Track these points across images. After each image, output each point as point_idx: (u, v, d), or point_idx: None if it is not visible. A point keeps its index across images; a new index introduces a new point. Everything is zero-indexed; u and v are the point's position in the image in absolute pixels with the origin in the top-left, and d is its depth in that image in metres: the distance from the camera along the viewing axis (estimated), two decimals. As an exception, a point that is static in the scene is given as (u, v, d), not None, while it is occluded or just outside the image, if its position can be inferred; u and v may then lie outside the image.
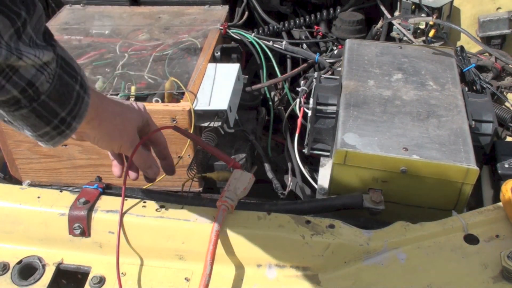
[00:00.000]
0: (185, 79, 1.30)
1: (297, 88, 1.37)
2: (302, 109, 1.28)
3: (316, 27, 1.70)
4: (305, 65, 1.57)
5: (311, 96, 1.21)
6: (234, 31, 1.56)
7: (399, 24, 1.59)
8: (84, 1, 1.71)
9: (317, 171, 1.28)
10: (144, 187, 1.11)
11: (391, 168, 1.02)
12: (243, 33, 1.56)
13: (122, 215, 0.98)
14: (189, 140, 1.21)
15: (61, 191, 1.04)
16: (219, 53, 1.43)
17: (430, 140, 1.04)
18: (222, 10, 1.64)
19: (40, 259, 0.99)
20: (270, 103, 1.52)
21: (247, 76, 1.45)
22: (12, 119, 0.69)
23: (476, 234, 0.93)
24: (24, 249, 1.00)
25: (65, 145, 1.29)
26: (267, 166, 1.31)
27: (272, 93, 1.55)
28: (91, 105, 0.77)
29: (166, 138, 1.22)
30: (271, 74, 1.57)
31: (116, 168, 0.99)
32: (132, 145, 0.91)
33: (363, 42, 1.38)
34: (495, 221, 0.95)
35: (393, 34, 1.63)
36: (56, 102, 0.70)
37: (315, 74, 1.30)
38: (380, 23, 1.64)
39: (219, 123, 1.21)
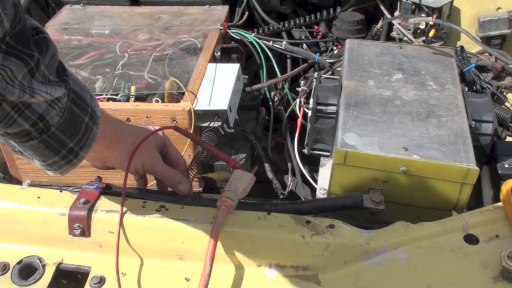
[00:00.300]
0: (185, 79, 1.30)
1: (297, 88, 1.37)
2: (302, 109, 1.28)
3: (316, 27, 1.70)
4: (305, 65, 1.57)
5: (311, 96, 1.21)
6: (234, 31, 1.56)
7: (399, 24, 1.59)
8: (84, 1, 1.71)
9: (317, 171, 1.28)
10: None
11: (391, 168, 1.02)
12: (243, 33, 1.56)
13: (122, 215, 0.98)
14: (189, 140, 1.21)
15: (61, 191, 1.04)
16: (219, 53, 1.43)
17: (430, 140, 1.04)
18: (222, 10, 1.64)
19: (40, 259, 0.99)
20: (270, 103, 1.52)
21: (247, 76, 1.45)
22: (22, 150, 0.73)
23: (476, 234, 0.93)
24: (24, 249, 1.00)
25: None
26: (267, 166, 1.31)
27: (272, 93, 1.55)
28: (107, 131, 0.82)
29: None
30: (271, 74, 1.57)
31: (137, 182, 1.05)
32: (155, 161, 0.95)
33: (363, 42, 1.38)
34: (495, 221, 0.95)
35: (393, 34, 1.63)
36: (65, 133, 0.73)
37: (315, 74, 1.30)
38: (380, 23, 1.64)
39: (219, 123, 1.21)
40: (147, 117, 1.22)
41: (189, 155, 1.24)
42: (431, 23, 1.50)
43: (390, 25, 1.63)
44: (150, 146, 0.96)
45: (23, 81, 0.65)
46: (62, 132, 0.73)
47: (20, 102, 0.66)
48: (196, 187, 1.30)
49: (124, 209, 0.98)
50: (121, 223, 0.97)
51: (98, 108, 0.80)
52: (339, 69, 1.42)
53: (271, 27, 1.65)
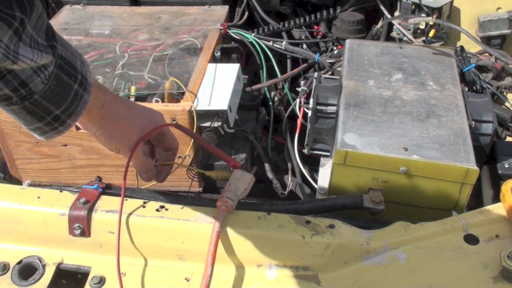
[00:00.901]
0: (185, 79, 1.30)
1: (297, 88, 1.37)
2: (302, 109, 1.28)
3: (316, 27, 1.70)
4: (305, 65, 1.57)
5: (311, 96, 1.21)
6: (234, 31, 1.56)
7: (399, 24, 1.59)
8: (84, 1, 1.71)
9: (317, 171, 1.28)
10: (144, 187, 1.11)
11: (391, 168, 1.02)
12: (243, 33, 1.56)
13: (121, 215, 0.98)
14: (192, 141, 1.21)
15: (61, 191, 1.04)
16: (219, 53, 1.43)
17: (430, 140, 1.04)
18: (222, 10, 1.64)
19: (40, 259, 0.99)
20: (270, 103, 1.52)
21: (247, 76, 1.45)
22: (5, 111, 0.70)
23: (476, 234, 0.93)
24: (24, 249, 1.00)
25: (65, 145, 1.29)
26: (267, 166, 1.31)
27: (272, 93, 1.55)
28: (95, 103, 0.77)
29: (166, 138, 1.22)
30: (271, 74, 1.57)
31: None
32: (129, 150, 0.91)
33: (363, 42, 1.38)
34: (495, 221, 0.95)
35: (393, 34, 1.63)
36: (50, 101, 0.69)
37: (315, 74, 1.30)
38: (380, 23, 1.64)
39: (219, 123, 1.21)
40: (147, 117, 1.21)
41: (189, 155, 1.24)
42: (431, 23, 1.50)
43: (390, 25, 1.63)
44: (133, 135, 0.91)
45: (9, 44, 0.61)
46: (47, 100, 0.69)
47: (1, 67, 0.62)
48: (196, 187, 1.30)
49: (124, 209, 0.98)
50: (121, 223, 0.97)
51: (90, 74, 0.76)
52: (339, 69, 1.42)
53: (271, 27, 1.65)
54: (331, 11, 1.69)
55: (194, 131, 1.19)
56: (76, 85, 0.72)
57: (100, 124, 0.85)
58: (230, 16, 1.68)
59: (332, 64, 1.52)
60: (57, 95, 0.70)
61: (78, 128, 1.25)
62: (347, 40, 1.38)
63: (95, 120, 0.83)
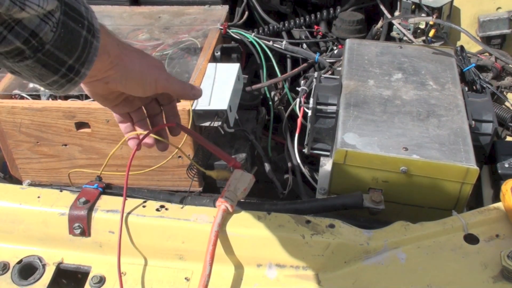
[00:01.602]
0: (185, 78, 1.30)
1: (297, 88, 1.37)
2: (302, 109, 1.28)
3: (316, 27, 1.70)
4: (305, 65, 1.57)
5: (311, 96, 1.21)
6: (234, 31, 1.56)
7: (399, 24, 1.59)
8: (84, 0, 1.71)
9: (317, 171, 1.28)
10: (143, 187, 1.11)
11: (391, 168, 1.02)
12: (243, 33, 1.56)
13: (123, 214, 0.98)
14: (189, 138, 1.21)
15: (61, 191, 1.04)
16: (219, 53, 1.43)
17: (430, 140, 1.04)
18: (222, 10, 1.64)
19: (40, 258, 0.99)
20: (270, 103, 1.52)
21: (247, 76, 1.45)
22: (19, 70, 0.68)
23: (476, 234, 0.93)
24: (24, 249, 1.00)
25: (65, 145, 1.29)
26: (267, 166, 1.31)
27: (272, 93, 1.55)
28: (108, 45, 0.75)
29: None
30: (271, 74, 1.57)
31: (127, 128, 0.90)
32: (169, 77, 0.84)
33: (363, 42, 1.38)
34: (495, 220, 0.95)
35: (393, 34, 1.63)
36: (62, 50, 0.68)
37: (315, 74, 1.30)
38: (380, 23, 1.64)
39: (219, 123, 1.21)
40: (147, 116, 1.22)
41: (189, 155, 1.24)
42: (431, 23, 1.50)
43: (390, 25, 1.63)
44: (160, 64, 0.85)
45: None
46: (59, 49, 0.67)
47: (9, 17, 0.60)
48: (196, 187, 1.30)
49: (125, 208, 0.98)
50: (122, 223, 0.97)
51: (96, 20, 0.72)
52: (339, 68, 1.42)
53: (271, 27, 1.65)
54: (331, 11, 1.69)
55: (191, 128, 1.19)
56: (84, 31, 0.70)
57: (127, 62, 0.80)
58: (230, 16, 1.68)
59: (332, 63, 1.52)
60: (68, 43, 0.68)
61: (78, 128, 1.25)
62: (347, 40, 1.38)
63: (118, 60, 0.79)
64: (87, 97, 1.22)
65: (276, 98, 1.55)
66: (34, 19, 0.63)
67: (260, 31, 1.63)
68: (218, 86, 1.27)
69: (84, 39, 0.70)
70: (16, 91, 1.27)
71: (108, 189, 1.05)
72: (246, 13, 1.71)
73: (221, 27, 1.53)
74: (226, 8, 1.65)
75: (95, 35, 0.71)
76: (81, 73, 0.71)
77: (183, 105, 1.20)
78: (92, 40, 0.71)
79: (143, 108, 0.90)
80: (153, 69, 0.83)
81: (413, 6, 1.56)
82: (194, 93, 0.90)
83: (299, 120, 1.28)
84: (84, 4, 0.72)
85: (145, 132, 0.88)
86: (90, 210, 0.99)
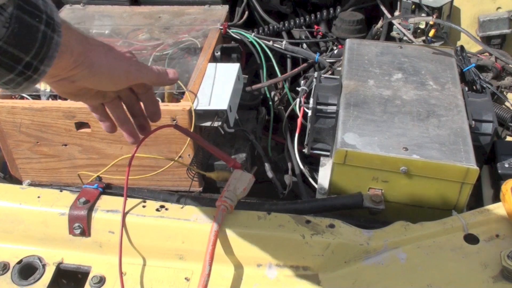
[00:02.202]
0: (185, 78, 1.30)
1: (297, 88, 1.37)
2: (302, 109, 1.28)
3: (316, 26, 1.70)
4: (305, 64, 1.57)
5: (311, 95, 1.21)
6: (234, 30, 1.56)
7: (399, 24, 1.59)
8: (84, 0, 1.71)
9: (317, 171, 1.28)
10: (144, 187, 1.11)
11: (391, 168, 1.02)
12: (243, 33, 1.56)
13: (124, 214, 0.98)
14: (188, 139, 1.21)
15: (61, 191, 1.04)
16: (219, 53, 1.43)
17: (430, 140, 1.04)
18: (222, 10, 1.64)
19: (40, 258, 0.99)
20: (270, 103, 1.52)
21: (247, 76, 1.45)
22: None
23: (476, 234, 0.93)
24: (24, 249, 1.00)
25: (65, 145, 1.29)
26: (267, 166, 1.31)
27: (272, 93, 1.55)
28: (71, 41, 0.70)
29: (166, 137, 1.22)
30: (271, 74, 1.57)
31: (105, 124, 0.87)
32: (141, 67, 0.81)
33: (363, 42, 1.38)
34: (495, 220, 0.95)
35: (393, 34, 1.63)
36: (17, 47, 0.63)
37: (315, 74, 1.30)
38: (380, 23, 1.64)
39: (219, 123, 1.21)
40: (147, 116, 1.22)
41: (189, 155, 1.24)
42: (431, 22, 1.50)
43: (390, 25, 1.63)
44: (131, 55, 0.80)
45: None
46: (13, 46, 0.62)
47: None
48: (196, 187, 1.30)
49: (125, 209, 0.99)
50: (123, 222, 0.97)
51: (56, 14, 0.68)
52: (339, 68, 1.42)
53: (271, 27, 1.65)
54: (331, 11, 1.69)
55: (192, 130, 1.19)
56: (42, 26, 0.65)
57: (93, 57, 0.75)
58: (230, 16, 1.68)
59: (332, 63, 1.52)
60: (22, 38, 0.63)
61: (78, 128, 1.25)
62: (347, 40, 1.38)
63: (83, 57, 0.73)
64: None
65: (276, 98, 1.55)
66: None
67: (260, 31, 1.63)
68: (218, 86, 1.27)
69: (43, 33, 0.65)
70: (16, 91, 1.27)
71: (108, 189, 1.05)
72: (246, 13, 1.71)
73: (221, 27, 1.53)
74: (226, 8, 1.65)
75: (55, 30, 0.67)
76: (40, 70, 0.67)
77: (183, 105, 1.20)
78: (52, 35, 0.66)
79: (118, 97, 0.86)
80: (121, 61, 0.79)
81: (413, 6, 1.56)
82: (171, 78, 0.87)
83: (299, 120, 1.28)
84: None
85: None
86: (90, 210, 0.99)
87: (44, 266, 0.98)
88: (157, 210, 0.99)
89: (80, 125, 1.25)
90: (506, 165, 1.11)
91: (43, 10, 0.65)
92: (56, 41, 0.67)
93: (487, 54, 1.55)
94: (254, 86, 1.46)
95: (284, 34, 1.67)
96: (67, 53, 0.70)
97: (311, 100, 1.18)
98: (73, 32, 0.72)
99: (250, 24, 1.73)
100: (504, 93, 1.48)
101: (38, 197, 1.03)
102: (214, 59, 1.42)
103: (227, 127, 1.24)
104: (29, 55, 0.64)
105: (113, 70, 0.77)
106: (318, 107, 1.17)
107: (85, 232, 0.98)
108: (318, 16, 1.69)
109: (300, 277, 0.92)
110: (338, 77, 1.27)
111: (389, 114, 1.11)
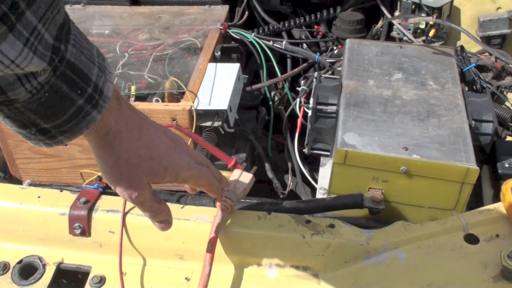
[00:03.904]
0: (185, 78, 1.30)
1: (297, 88, 1.37)
2: (302, 108, 1.28)
3: (316, 27, 1.70)
4: (305, 64, 1.57)
5: (311, 95, 1.21)
6: (234, 31, 1.56)
7: (399, 24, 1.59)
8: (84, 0, 1.71)
9: (317, 171, 1.28)
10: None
11: (391, 168, 1.02)
12: (243, 33, 1.56)
13: (124, 214, 0.98)
14: (190, 139, 1.21)
15: (61, 191, 1.04)
16: (219, 53, 1.43)
17: (430, 140, 1.04)
18: (222, 10, 1.64)
19: (40, 258, 0.99)
20: (270, 102, 1.52)
21: (247, 76, 1.45)
22: None
23: (476, 234, 0.93)
24: (24, 249, 1.00)
25: (65, 145, 1.29)
26: (267, 165, 1.31)
27: (272, 93, 1.55)
28: (114, 122, 0.62)
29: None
30: (271, 74, 1.57)
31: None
32: (201, 173, 0.76)
33: (363, 42, 1.38)
34: (495, 220, 0.95)
35: (393, 34, 1.63)
36: (37, 114, 0.56)
37: (315, 74, 1.30)
38: (380, 23, 1.64)
39: (219, 123, 1.21)
40: (147, 116, 1.22)
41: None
42: (431, 22, 1.50)
43: (390, 25, 1.63)
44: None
45: None
46: (31, 111, 0.55)
47: None
48: (196, 187, 1.30)
49: (125, 208, 0.99)
50: (123, 222, 0.97)
51: (109, 86, 0.59)
52: (339, 68, 1.42)
53: (271, 27, 1.65)
54: (331, 11, 1.69)
55: (193, 130, 1.19)
56: (81, 100, 0.57)
57: (103, 155, 0.66)
58: (230, 16, 1.68)
59: (332, 63, 1.52)
60: (47, 108, 0.55)
61: None
62: (347, 40, 1.38)
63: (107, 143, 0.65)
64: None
65: (276, 98, 1.55)
66: (9, 76, 0.51)
67: (260, 31, 1.63)
68: (218, 86, 1.27)
69: (77, 108, 0.57)
70: (16, 91, 1.27)
71: (108, 189, 1.05)
72: (246, 13, 1.71)
73: (221, 27, 1.54)
74: (226, 8, 1.65)
75: (97, 104, 0.59)
76: (57, 139, 0.60)
77: (183, 105, 1.20)
78: (90, 111, 0.58)
79: None
80: (171, 156, 0.70)
81: (413, 6, 1.56)
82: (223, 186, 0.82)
83: (299, 120, 1.28)
84: (102, 63, 0.59)
85: None
86: (90, 210, 0.99)
87: (44, 266, 0.98)
88: (157, 210, 0.99)
89: (80, 125, 1.25)
90: (506, 165, 1.11)
91: (92, 81, 0.57)
92: (92, 118, 0.59)
93: (487, 54, 1.55)
94: (254, 86, 1.46)
95: (284, 34, 1.67)
96: (101, 132, 0.63)
97: (311, 100, 1.18)
98: (122, 111, 0.63)
99: (250, 24, 1.73)
100: (504, 93, 1.47)
101: (38, 197, 1.03)
102: (214, 59, 1.42)
103: (227, 127, 1.24)
104: (50, 123, 0.57)
105: (109, 177, 0.68)
106: (318, 107, 1.17)
107: (85, 232, 0.98)
108: (318, 16, 1.69)
109: (300, 277, 0.92)
110: (338, 77, 1.27)
111: (389, 114, 1.11)
